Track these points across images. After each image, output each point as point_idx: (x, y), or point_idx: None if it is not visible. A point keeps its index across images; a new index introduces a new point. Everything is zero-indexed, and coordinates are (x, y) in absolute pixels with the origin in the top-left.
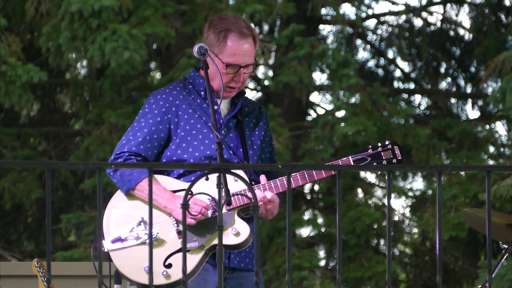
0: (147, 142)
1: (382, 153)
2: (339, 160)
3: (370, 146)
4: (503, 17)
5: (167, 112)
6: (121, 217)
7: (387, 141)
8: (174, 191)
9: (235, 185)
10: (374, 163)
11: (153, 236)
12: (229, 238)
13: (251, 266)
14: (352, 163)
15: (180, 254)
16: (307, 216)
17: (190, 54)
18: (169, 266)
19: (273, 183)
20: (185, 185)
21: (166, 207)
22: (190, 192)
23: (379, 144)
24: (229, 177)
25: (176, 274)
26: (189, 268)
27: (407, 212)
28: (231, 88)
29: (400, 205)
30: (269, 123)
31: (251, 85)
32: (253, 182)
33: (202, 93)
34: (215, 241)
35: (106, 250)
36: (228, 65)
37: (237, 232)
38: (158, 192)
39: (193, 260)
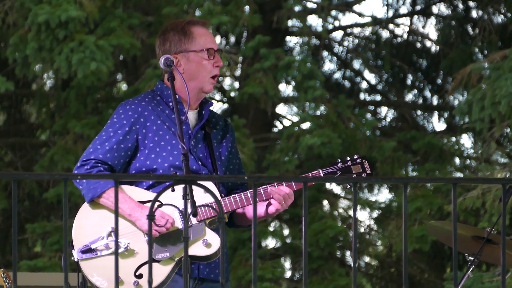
0: (114, 151)
1: (351, 167)
2: (309, 173)
3: (340, 160)
4: (470, 29)
5: (135, 123)
6: (90, 227)
7: (355, 155)
8: (142, 202)
9: (205, 196)
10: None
11: (124, 246)
12: (199, 249)
13: None
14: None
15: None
16: (272, 227)
17: (156, 65)
18: (140, 276)
19: (244, 195)
20: (153, 195)
21: (131, 215)
22: (159, 203)
23: (348, 158)
24: (200, 189)
25: (147, 284)
26: (160, 279)
27: (373, 223)
28: (214, 77)
29: (365, 217)
30: (235, 137)
31: (217, 96)
32: (222, 194)
33: (171, 104)
34: None
35: (76, 260)
36: (207, 48)
37: (208, 243)
38: (123, 200)
39: (163, 270)
